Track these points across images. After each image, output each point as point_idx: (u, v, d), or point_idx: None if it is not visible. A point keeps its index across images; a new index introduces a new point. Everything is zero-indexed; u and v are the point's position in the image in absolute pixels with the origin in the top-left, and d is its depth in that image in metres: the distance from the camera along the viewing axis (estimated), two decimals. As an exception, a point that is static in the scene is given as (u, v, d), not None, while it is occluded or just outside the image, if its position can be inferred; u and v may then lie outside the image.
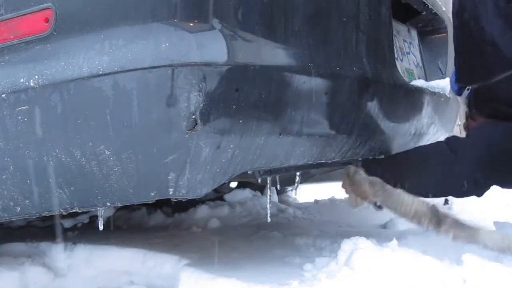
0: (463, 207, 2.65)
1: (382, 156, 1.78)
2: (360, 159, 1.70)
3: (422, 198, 1.58)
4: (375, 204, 1.72)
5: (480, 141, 1.53)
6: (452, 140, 1.61)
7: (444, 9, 2.26)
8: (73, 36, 1.09)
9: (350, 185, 1.72)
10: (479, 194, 1.57)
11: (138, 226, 2.56)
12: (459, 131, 4.84)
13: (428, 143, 2.12)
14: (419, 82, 1.88)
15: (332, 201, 3.02)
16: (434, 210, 1.53)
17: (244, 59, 1.10)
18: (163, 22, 1.04)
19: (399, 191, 1.61)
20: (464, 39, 1.62)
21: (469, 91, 1.64)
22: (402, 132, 1.79)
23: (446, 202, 2.74)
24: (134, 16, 1.05)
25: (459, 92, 1.74)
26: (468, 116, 1.75)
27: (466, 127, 1.74)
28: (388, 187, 1.62)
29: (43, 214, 1.24)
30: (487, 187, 1.56)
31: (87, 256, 1.78)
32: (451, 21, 1.72)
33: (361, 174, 1.69)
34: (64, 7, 1.10)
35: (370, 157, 1.75)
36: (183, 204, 2.64)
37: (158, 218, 2.63)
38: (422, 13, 2.12)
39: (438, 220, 1.50)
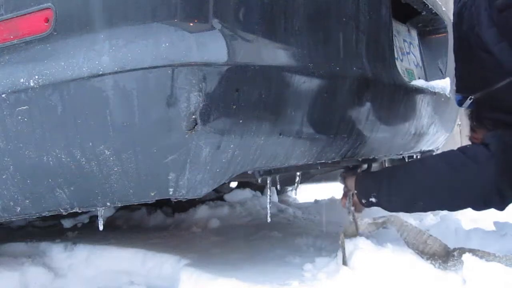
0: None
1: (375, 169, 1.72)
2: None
3: (435, 237, 1.52)
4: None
5: (503, 149, 1.45)
6: (469, 149, 1.51)
7: (444, 9, 2.26)
8: (73, 36, 1.08)
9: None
10: (502, 207, 1.49)
11: (138, 226, 2.56)
12: (459, 131, 4.85)
13: (428, 143, 2.12)
14: (419, 82, 1.87)
15: (332, 201, 3.02)
16: (446, 249, 1.49)
17: (244, 59, 1.10)
18: (163, 22, 1.04)
19: (416, 229, 1.56)
20: (464, 49, 1.62)
21: (471, 100, 1.62)
22: (402, 132, 1.79)
23: None
24: (134, 16, 1.05)
25: (460, 103, 1.72)
26: (471, 129, 1.73)
27: (470, 140, 1.72)
28: (405, 223, 1.57)
29: (43, 214, 1.24)
30: (510, 199, 1.48)
31: (87, 256, 1.78)
32: (451, 20, 1.72)
33: (364, 223, 1.62)
34: (64, 7, 1.10)
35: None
36: (183, 204, 2.64)
37: (158, 218, 2.63)
38: (422, 13, 2.12)
39: (447, 258, 1.46)
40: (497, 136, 1.50)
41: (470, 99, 1.62)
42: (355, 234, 1.63)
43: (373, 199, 1.57)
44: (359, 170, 1.80)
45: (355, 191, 1.63)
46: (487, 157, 1.46)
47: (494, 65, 1.49)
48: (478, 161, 1.46)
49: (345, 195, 1.71)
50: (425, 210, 1.66)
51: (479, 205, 1.51)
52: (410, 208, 1.60)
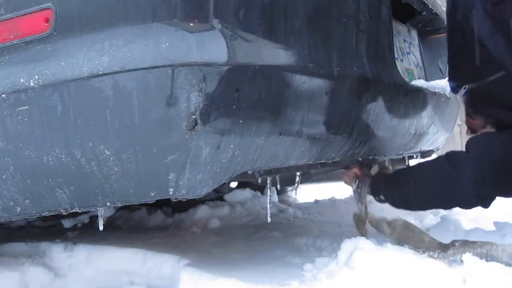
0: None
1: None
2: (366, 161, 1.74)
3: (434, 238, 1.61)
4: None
5: (481, 157, 1.50)
6: (451, 156, 1.58)
7: (444, 9, 2.26)
8: (73, 36, 1.09)
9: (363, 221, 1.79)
10: (485, 206, 1.56)
11: (138, 226, 2.56)
12: (459, 131, 4.84)
13: (428, 143, 2.12)
14: (419, 82, 1.88)
15: (332, 201, 3.02)
16: (442, 244, 1.56)
17: (244, 59, 1.10)
18: (163, 22, 1.04)
19: (420, 231, 1.67)
20: (457, 39, 1.62)
21: (465, 90, 1.63)
22: (402, 132, 1.79)
23: None
24: (134, 16, 1.05)
25: (455, 90, 1.73)
26: (467, 115, 1.75)
27: (467, 125, 1.74)
28: (410, 226, 1.69)
29: (43, 214, 1.24)
30: (491, 200, 1.54)
31: (87, 256, 1.78)
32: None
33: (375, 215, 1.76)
34: (64, 7, 1.10)
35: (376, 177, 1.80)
36: (183, 204, 2.64)
37: (158, 218, 2.63)
38: (422, 13, 2.12)
39: (446, 248, 1.53)
40: (478, 142, 1.55)
41: (464, 88, 1.63)
42: (364, 221, 1.80)
43: (382, 197, 1.74)
44: (371, 170, 1.95)
45: (370, 189, 1.78)
46: (467, 165, 1.52)
47: (486, 58, 1.48)
48: (459, 168, 1.53)
49: (350, 179, 1.86)
50: (420, 209, 1.87)
51: (464, 207, 1.61)
52: (408, 206, 1.76)
